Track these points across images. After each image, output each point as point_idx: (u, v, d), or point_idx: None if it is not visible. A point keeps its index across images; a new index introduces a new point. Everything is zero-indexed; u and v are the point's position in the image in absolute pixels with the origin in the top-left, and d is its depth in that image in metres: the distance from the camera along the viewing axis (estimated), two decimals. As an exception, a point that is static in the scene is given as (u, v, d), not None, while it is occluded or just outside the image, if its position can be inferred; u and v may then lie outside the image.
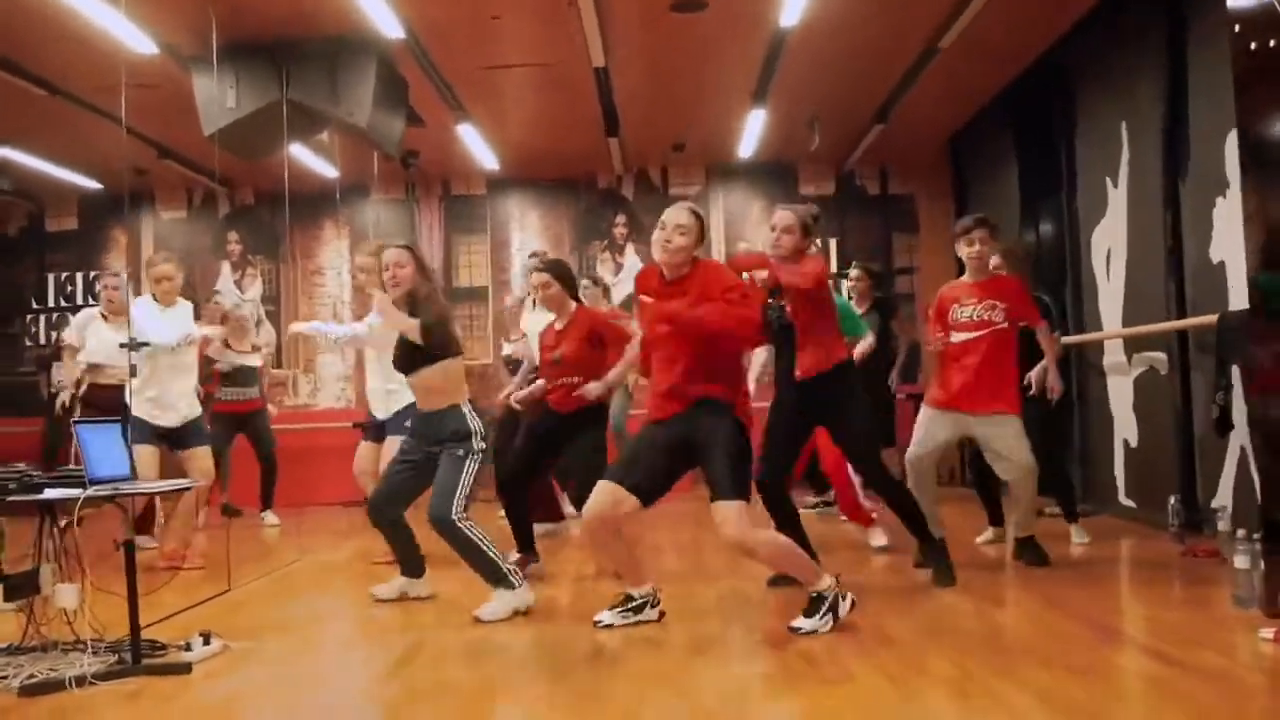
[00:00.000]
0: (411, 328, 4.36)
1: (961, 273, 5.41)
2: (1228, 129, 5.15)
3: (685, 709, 3.13)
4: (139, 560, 3.81)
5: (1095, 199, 7.31)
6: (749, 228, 10.77)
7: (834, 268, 9.68)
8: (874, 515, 5.95)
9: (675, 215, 4.02)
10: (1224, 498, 5.63)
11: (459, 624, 4.31)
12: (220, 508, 7.67)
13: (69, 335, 6.97)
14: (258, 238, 11.06)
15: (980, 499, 6.07)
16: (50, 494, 3.62)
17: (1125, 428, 6.94)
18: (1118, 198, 6.97)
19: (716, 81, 8.29)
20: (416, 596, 4.86)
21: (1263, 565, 3.84)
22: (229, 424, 8.07)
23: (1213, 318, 5.47)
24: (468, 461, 4.41)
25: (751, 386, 4.92)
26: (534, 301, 6.65)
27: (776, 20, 6.78)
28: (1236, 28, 3.87)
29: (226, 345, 8.01)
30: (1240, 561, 3.98)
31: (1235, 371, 5.25)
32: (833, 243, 10.47)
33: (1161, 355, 6.44)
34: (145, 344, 5.56)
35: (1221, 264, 5.69)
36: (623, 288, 10.42)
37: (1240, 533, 4.05)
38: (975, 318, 5.06)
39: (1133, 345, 6.81)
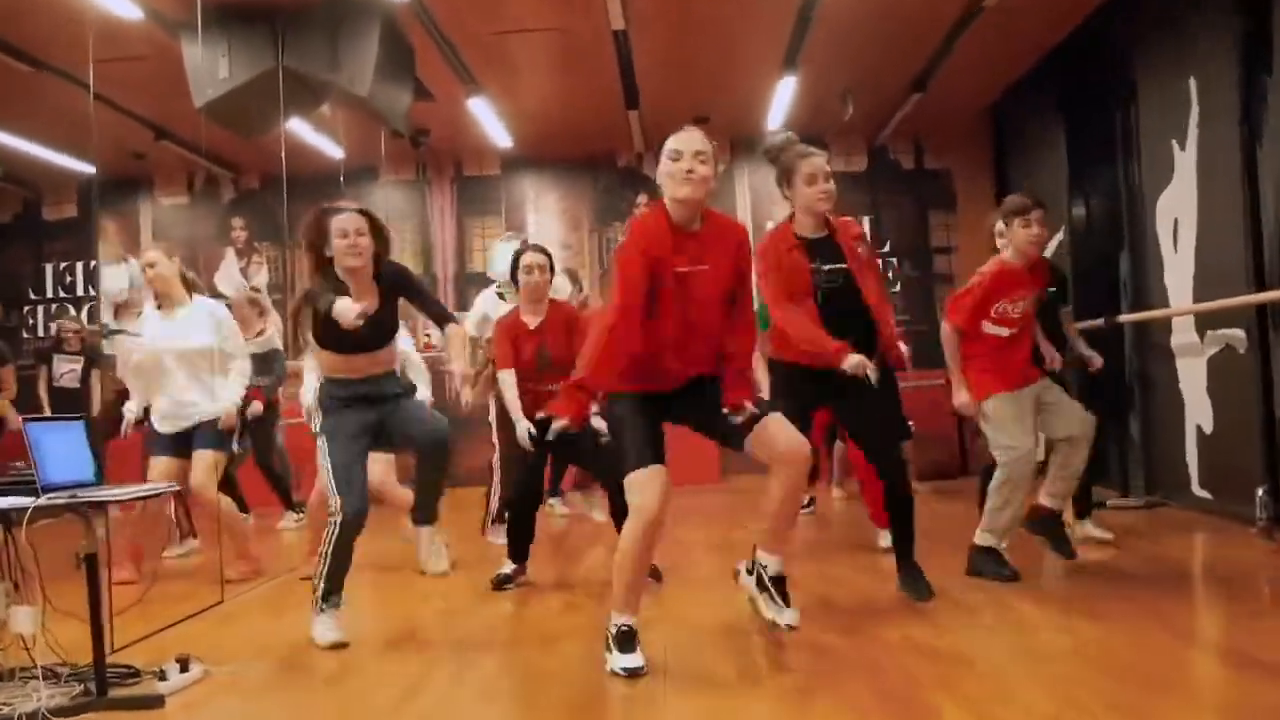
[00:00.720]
0: (464, 340, 4.56)
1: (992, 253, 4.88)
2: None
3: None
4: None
5: (1160, 165, 6.73)
6: (777, 205, 10.21)
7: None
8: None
9: (691, 141, 3.35)
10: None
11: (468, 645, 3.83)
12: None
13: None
14: (263, 224, 10.59)
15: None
16: (-5, 503, 3.13)
17: (1198, 413, 6.37)
18: (1185, 162, 6.40)
19: (745, 47, 7.75)
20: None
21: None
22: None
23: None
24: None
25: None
26: (502, 294, 6.31)
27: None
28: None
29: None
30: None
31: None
32: (866, 221, 9.93)
33: (1239, 333, 5.88)
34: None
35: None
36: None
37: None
38: (1022, 311, 4.60)
39: (1206, 322, 6.24)
